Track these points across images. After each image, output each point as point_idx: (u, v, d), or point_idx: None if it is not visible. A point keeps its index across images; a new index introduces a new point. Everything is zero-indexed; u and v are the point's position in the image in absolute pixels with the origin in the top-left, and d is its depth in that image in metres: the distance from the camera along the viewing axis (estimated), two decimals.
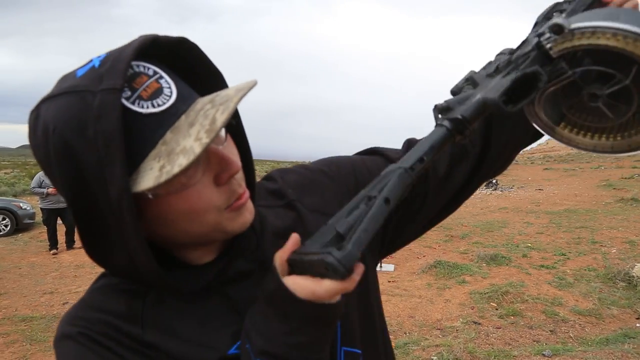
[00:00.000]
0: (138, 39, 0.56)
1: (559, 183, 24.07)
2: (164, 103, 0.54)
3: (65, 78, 0.56)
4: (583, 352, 4.17)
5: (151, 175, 0.52)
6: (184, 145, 0.51)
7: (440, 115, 0.61)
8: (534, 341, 4.58)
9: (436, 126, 0.60)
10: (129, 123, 0.52)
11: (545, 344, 4.43)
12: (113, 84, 0.51)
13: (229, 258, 0.67)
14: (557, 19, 0.56)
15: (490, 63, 0.69)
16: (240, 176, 0.63)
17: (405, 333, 4.83)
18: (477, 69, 0.69)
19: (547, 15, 0.72)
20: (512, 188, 21.38)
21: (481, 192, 19.51)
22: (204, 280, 0.66)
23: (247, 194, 0.63)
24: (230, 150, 0.61)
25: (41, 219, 9.20)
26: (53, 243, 8.96)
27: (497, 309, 5.37)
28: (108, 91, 0.51)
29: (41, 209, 8.91)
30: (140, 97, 0.53)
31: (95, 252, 0.61)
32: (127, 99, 0.53)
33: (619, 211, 12.58)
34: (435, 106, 0.61)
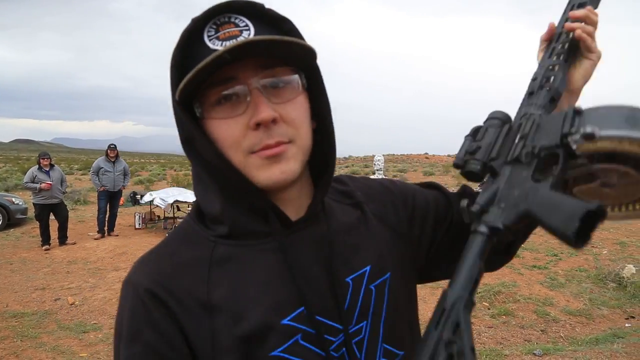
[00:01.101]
0: (247, 1, 0.67)
1: None
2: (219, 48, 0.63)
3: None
4: (573, 351, 4.21)
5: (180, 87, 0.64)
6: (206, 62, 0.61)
7: (475, 217, 0.62)
8: (525, 340, 4.62)
9: (474, 232, 0.60)
10: (199, 50, 0.65)
11: (536, 343, 4.48)
12: (193, 19, 0.65)
13: (312, 214, 0.74)
14: (588, 128, 0.58)
15: (483, 130, 0.71)
16: (280, 131, 0.66)
17: None
18: (468, 130, 0.74)
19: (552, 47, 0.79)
20: None
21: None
22: (269, 228, 0.71)
23: (280, 148, 0.66)
24: (279, 107, 0.66)
25: (33, 214, 9.16)
26: (45, 239, 8.94)
27: (489, 309, 5.41)
28: (192, 21, 0.66)
29: (34, 204, 8.89)
30: (217, 37, 0.65)
31: (190, 153, 0.71)
32: (209, 36, 0.65)
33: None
34: (468, 208, 0.63)
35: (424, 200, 0.89)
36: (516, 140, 0.66)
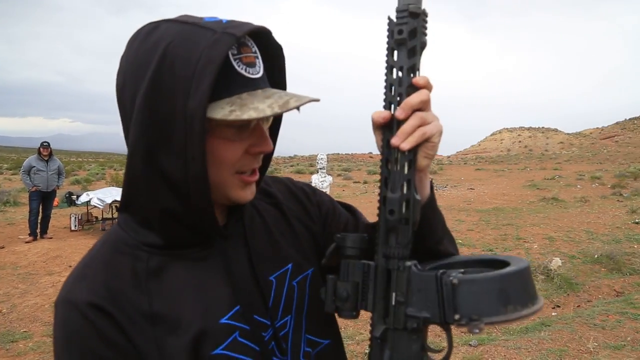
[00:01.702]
0: (258, 25, 0.68)
1: (489, 183, 25.34)
2: (253, 74, 0.68)
3: (190, 17, 0.68)
4: (505, 340, 4.45)
5: (221, 112, 0.64)
6: (258, 106, 0.64)
7: None
8: (462, 332, 4.82)
9: None
10: (225, 69, 0.65)
11: (471, 334, 4.68)
12: (234, 32, 0.64)
13: (235, 219, 0.80)
14: (475, 329, 0.60)
15: (346, 267, 0.71)
16: (259, 160, 0.75)
17: (340, 328, 4.92)
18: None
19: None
20: (445, 187, 22.26)
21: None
22: (221, 232, 0.74)
23: (257, 176, 0.75)
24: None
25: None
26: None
27: None
28: (229, 35, 0.63)
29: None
30: (241, 60, 0.66)
31: (147, 159, 0.67)
32: (233, 55, 0.66)
33: (541, 209, 13.45)
34: None
35: (336, 220, 0.94)
36: (393, 300, 0.67)
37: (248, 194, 0.74)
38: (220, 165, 0.69)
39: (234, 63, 0.66)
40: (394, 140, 0.66)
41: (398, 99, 0.67)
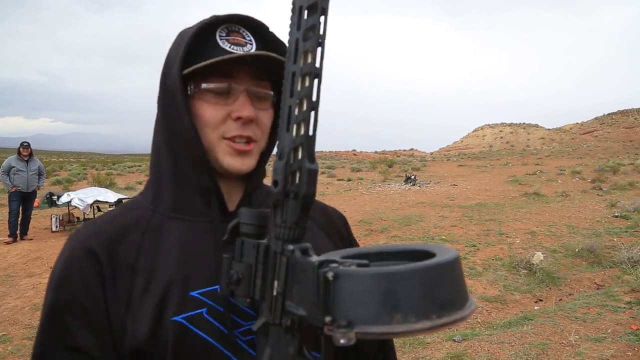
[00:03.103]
0: (258, 20, 0.79)
1: (471, 179, 25.59)
2: (236, 50, 0.76)
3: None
4: (489, 335, 4.50)
5: (190, 70, 0.75)
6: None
7: None
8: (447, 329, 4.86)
9: None
10: (210, 44, 0.76)
11: (456, 330, 4.72)
12: (217, 15, 0.77)
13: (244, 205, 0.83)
14: (341, 338, 0.46)
15: (239, 246, 0.63)
16: (253, 130, 0.79)
17: None
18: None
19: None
20: (429, 183, 22.41)
21: (400, 187, 20.25)
22: (209, 209, 0.81)
23: (249, 147, 0.79)
24: (258, 112, 0.79)
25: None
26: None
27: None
28: (211, 17, 0.77)
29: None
30: (227, 40, 0.77)
31: (161, 125, 0.81)
32: (221, 36, 0.77)
33: (523, 204, 13.63)
34: None
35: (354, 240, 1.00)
36: (275, 289, 0.56)
37: (238, 163, 0.79)
38: (205, 126, 0.77)
39: (219, 40, 0.76)
40: None
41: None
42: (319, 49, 0.53)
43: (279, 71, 0.70)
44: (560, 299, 5.72)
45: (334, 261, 0.51)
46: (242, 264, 0.62)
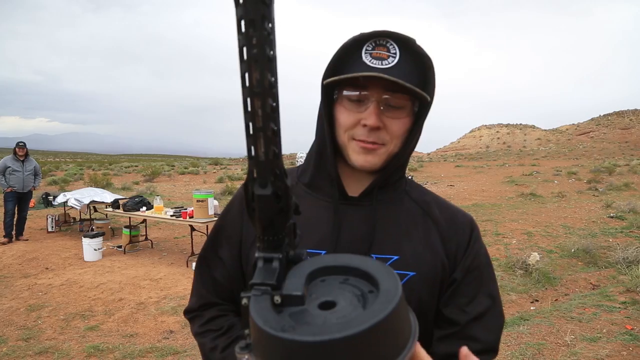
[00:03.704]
0: (404, 35, 0.88)
1: (468, 179, 25.63)
2: (375, 64, 0.86)
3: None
4: None
5: (330, 79, 0.88)
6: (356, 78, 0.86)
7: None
8: None
9: None
10: (354, 57, 0.88)
11: None
12: (365, 32, 0.88)
13: (367, 192, 0.98)
14: None
15: None
16: (379, 135, 0.90)
17: None
18: None
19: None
20: (426, 184, 22.42)
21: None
22: (337, 194, 0.97)
23: (373, 146, 0.90)
24: (387, 120, 0.90)
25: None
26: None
27: None
28: (360, 34, 0.88)
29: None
30: (371, 54, 0.87)
31: (320, 120, 0.97)
32: (366, 50, 0.88)
33: (520, 205, 13.65)
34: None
35: (479, 263, 0.98)
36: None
37: (362, 160, 0.91)
38: (340, 127, 0.92)
39: (363, 54, 0.87)
40: None
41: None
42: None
43: (419, 83, 0.89)
44: (556, 299, 5.74)
45: (264, 285, 0.51)
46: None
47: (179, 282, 6.38)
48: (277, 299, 0.50)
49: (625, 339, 4.19)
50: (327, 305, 0.50)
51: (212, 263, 1.07)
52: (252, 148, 0.48)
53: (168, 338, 4.60)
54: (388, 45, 0.87)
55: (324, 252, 0.92)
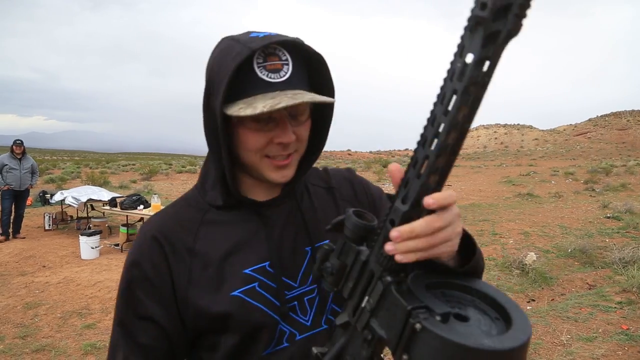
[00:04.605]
0: (292, 38, 0.83)
1: (465, 179, 25.67)
2: (274, 79, 0.81)
3: (247, 32, 0.85)
4: None
5: (233, 109, 0.81)
6: (257, 105, 0.78)
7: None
8: None
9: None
10: (249, 74, 0.81)
11: None
12: (253, 46, 0.79)
13: (275, 200, 0.96)
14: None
15: (341, 246, 0.70)
16: (292, 146, 0.88)
17: None
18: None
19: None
20: None
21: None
22: (257, 204, 0.95)
23: (288, 160, 0.89)
24: (295, 129, 0.87)
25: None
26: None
27: None
28: (247, 48, 0.79)
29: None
30: (264, 67, 0.81)
31: (210, 143, 0.89)
32: (258, 63, 0.81)
33: (517, 205, 13.68)
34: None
35: (377, 192, 1.11)
36: (364, 303, 0.64)
37: (279, 176, 0.89)
38: (248, 150, 0.86)
39: (257, 69, 0.81)
40: (388, 247, 0.60)
41: (453, 96, 0.50)
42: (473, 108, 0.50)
43: (317, 84, 0.89)
44: (553, 299, 5.75)
45: (422, 307, 0.55)
46: (338, 261, 0.70)
47: None
48: (438, 317, 0.53)
49: (621, 339, 4.21)
50: (461, 318, 0.55)
51: (135, 328, 0.89)
52: (431, 175, 0.55)
53: None
54: (278, 52, 0.82)
55: (267, 263, 0.90)
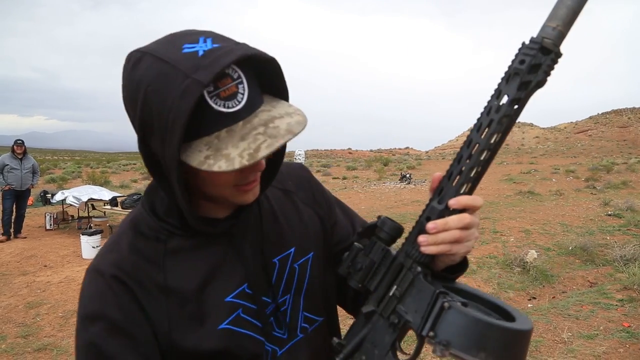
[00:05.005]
0: (240, 50, 0.67)
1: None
2: (233, 107, 0.68)
3: (173, 43, 0.69)
4: None
5: (197, 158, 0.67)
6: (229, 153, 0.66)
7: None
8: None
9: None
10: (201, 108, 0.66)
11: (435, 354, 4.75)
12: (203, 79, 0.63)
13: (236, 214, 0.86)
14: (438, 350, 0.63)
15: (371, 246, 0.78)
16: (257, 173, 0.79)
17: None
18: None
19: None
20: (424, 182, 22.42)
21: (395, 186, 20.28)
22: (222, 227, 0.83)
23: (255, 183, 0.79)
24: None
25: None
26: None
27: None
28: (197, 82, 0.63)
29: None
30: (218, 95, 0.66)
31: (153, 174, 0.77)
32: (209, 93, 0.66)
33: (518, 203, 13.67)
34: (337, 347, 0.79)
35: (333, 224, 1.03)
36: (392, 291, 0.73)
37: (250, 197, 0.80)
38: (216, 187, 0.76)
39: (210, 102, 0.66)
40: (422, 239, 0.70)
41: (487, 126, 0.66)
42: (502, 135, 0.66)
43: (273, 89, 0.77)
44: (554, 297, 5.76)
45: (447, 293, 0.67)
46: (367, 258, 0.77)
47: None
48: (459, 302, 0.67)
49: (622, 336, 4.21)
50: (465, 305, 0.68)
51: None
52: (463, 185, 0.69)
53: None
54: (227, 71, 0.67)
55: (245, 285, 0.83)
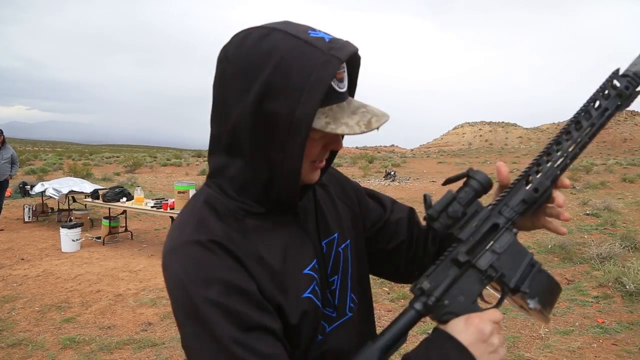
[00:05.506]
0: (353, 45, 0.79)
1: (450, 176, 25.84)
2: (341, 88, 0.79)
3: (296, 28, 0.77)
4: None
5: (319, 123, 0.76)
6: (347, 122, 0.77)
7: (417, 293, 0.80)
8: (423, 322, 4.93)
9: (411, 306, 0.81)
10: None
11: (431, 324, 4.78)
12: (341, 56, 0.75)
13: (305, 194, 0.92)
14: (532, 304, 0.77)
15: (465, 193, 0.82)
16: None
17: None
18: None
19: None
20: (408, 180, 22.56)
21: (380, 183, 20.36)
22: (300, 203, 0.90)
23: (323, 164, 0.88)
24: None
25: None
26: None
27: (388, 293, 5.69)
28: (336, 58, 0.74)
29: None
30: (335, 76, 0.76)
31: (254, 146, 0.79)
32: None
33: None
34: (416, 287, 0.81)
35: (365, 210, 1.11)
36: (487, 247, 0.79)
37: (316, 176, 0.88)
38: (306, 158, 0.81)
39: (333, 84, 0.77)
40: (563, 212, 0.86)
41: (588, 128, 0.83)
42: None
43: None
44: None
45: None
46: (460, 207, 0.79)
47: (158, 274, 6.32)
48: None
49: (596, 332, 4.30)
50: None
51: (253, 340, 0.73)
52: (542, 174, 0.82)
53: (146, 330, 4.57)
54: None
55: (315, 260, 0.90)
